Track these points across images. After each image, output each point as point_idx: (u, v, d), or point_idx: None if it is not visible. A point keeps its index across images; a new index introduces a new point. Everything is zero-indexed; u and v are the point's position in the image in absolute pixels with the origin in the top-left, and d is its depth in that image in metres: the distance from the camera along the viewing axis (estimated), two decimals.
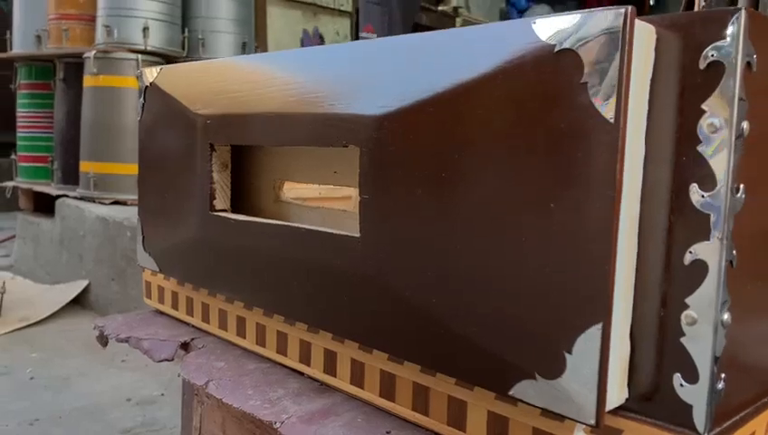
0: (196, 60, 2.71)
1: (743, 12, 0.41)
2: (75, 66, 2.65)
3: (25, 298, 2.51)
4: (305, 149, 0.72)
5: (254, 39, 2.94)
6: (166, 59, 2.62)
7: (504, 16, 5.86)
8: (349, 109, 0.58)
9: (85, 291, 2.49)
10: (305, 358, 0.71)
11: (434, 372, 0.57)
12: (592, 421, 0.43)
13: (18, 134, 3.01)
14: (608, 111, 0.42)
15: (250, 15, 2.89)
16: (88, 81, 2.52)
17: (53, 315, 2.37)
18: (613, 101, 0.41)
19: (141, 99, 0.88)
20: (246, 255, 0.72)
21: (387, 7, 2.91)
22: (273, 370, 0.75)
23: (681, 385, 0.44)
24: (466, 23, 4.59)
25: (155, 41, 2.54)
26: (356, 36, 3.54)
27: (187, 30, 2.69)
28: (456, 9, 4.53)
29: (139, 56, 2.49)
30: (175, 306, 0.91)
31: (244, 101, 0.71)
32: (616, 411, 0.47)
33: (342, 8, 3.39)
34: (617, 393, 0.46)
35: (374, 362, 0.63)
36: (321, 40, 3.28)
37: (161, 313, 0.96)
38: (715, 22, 0.42)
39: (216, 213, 0.75)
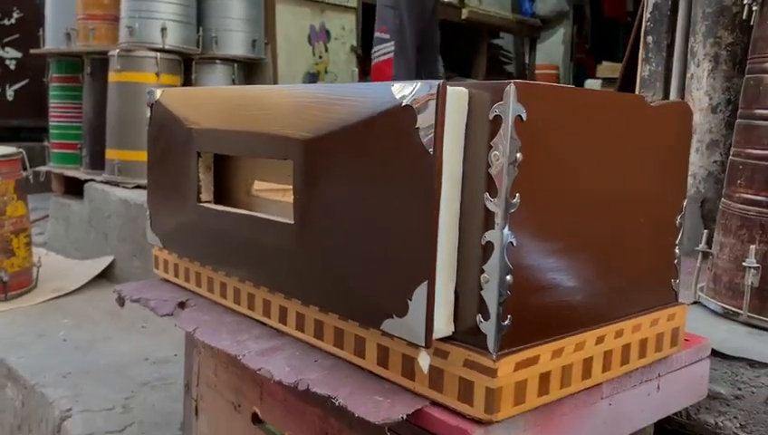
0: (211, 57, 2.97)
1: (512, 84, 0.64)
2: (101, 62, 2.91)
3: (58, 272, 2.81)
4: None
5: (264, 36, 3.18)
6: (182, 56, 2.88)
7: (516, 8, 5.99)
8: (287, 133, 0.83)
9: (110, 266, 2.77)
10: (266, 312, 0.96)
11: (347, 319, 0.82)
12: (423, 344, 0.68)
13: (50, 123, 3.30)
14: (428, 146, 0.66)
15: (260, 14, 3.13)
16: (112, 76, 2.78)
17: (83, 287, 2.65)
18: (432, 138, 0.65)
19: (149, 111, 1.14)
20: (223, 235, 0.98)
21: (398, 11, 3.12)
22: (244, 321, 1.00)
23: (480, 322, 0.68)
24: (472, 14, 4.76)
25: (172, 40, 2.79)
26: (362, 31, 3.76)
27: (201, 29, 2.94)
28: (461, 1, 4.70)
29: (158, 54, 2.74)
30: (176, 275, 1.17)
31: (223, 121, 0.96)
32: (446, 340, 0.71)
33: (348, 4, 3.60)
34: (444, 327, 0.70)
35: (310, 314, 0.88)
36: (327, 35, 3.51)
37: (166, 280, 1.21)
38: (498, 89, 0.65)
39: (201, 204, 1.00)
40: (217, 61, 3.00)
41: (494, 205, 0.66)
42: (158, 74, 2.75)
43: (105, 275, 2.79)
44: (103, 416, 1.60)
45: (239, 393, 1.13)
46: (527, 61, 6.11)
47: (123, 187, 2.78)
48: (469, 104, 0.68)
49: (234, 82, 3.04)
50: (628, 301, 0.83)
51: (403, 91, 0.68)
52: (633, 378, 0.87)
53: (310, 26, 3.39)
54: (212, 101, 0.98)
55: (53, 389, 1.74)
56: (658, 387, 0.92)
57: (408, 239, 0.69)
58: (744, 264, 1.14)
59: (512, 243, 0.67)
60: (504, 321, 0.68)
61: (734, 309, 1.18)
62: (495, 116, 0.66)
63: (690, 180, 1.69)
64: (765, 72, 1.15)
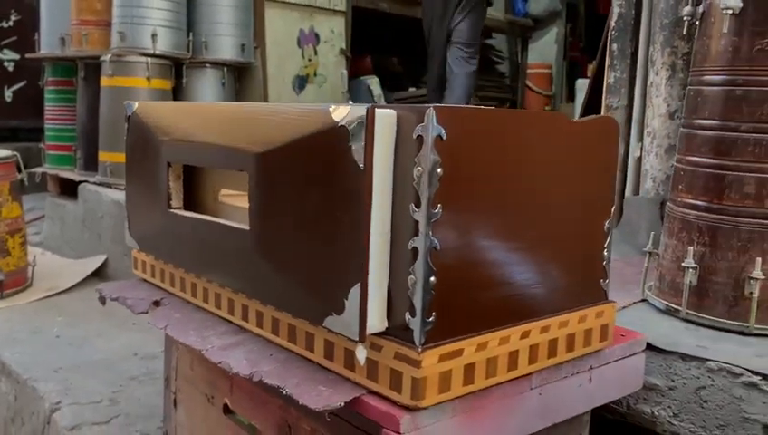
0: (201, 61, 3.05)
1: (432, 108, 0.72)
2: (94, 66, 2.99)
3: (53, 270, 2.89)
4: None
5: (254, 40, 3.26)
6: (173, 61, 2.96)
7: (509, 9, 6.06)
8: (243, 147, 0.91)
9: (104, 265, 2.86)
10: (231, 310, 1.04)
11: (299, 317, 0.90)
12: (357, 339, 0.76)
13: (46, 125, 3.39)
14: (359, 162, 0.74)
15: (249, 19, 3.21)
16: (104, 81, 2.86)
17: (77, 285, 2.74)
18: (362, 156, 0.73)
19: (127, 123, 1.22)
20: (191, 239, 1.06)
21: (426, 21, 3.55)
22: (211, 319, 1.08)
23: (409, 319, 0.76)
24: None
25: (163, 45, 2.87)
26: (351, 33, 3.83)
27: (191, 34, 3.02)
28: None
29: (149, 59, 2.82)
30: (153, 275, 1.25)
31: (189, 134, 1.04)
32: (381, 335, 0.79)
33: (337, 8, 3.67)
34: (378, 323, 0.78)
35: (268, 312, 0.96)
36: (316, 38, 3.59)
37: (144, 280, 1.30)
38: (421, 111, 0.73)
39: (171, 210, 1.08)
40: (207, 65, 3.08)
41: (418, 214, 0.74)
42: (148, 79, 2.83)
43: (98, 274, 2.87)
44: (91, 408, 1.68)
45: (212, 386, 1.21)
46: (519, 60, 6.17)
47: (116, 188, 2.87)
48: (398, 125, 0.76)
49: (224, 86, 3.12)
50: (554, 299, 0.91)
51: (339, 113, 0.76)
52: (564, 370, 0.95)
53: (299, 30, 3.47)
54: (180, 116, 1.06)
55: (45, 383, 1.82)
56: (590, 379, 1.00)
57: (344, 245, 0.77)
58: (683, 264, 1.22)
59: (435, 248, 0.75)
60: (428, 318, 0.76)
61: (675, 306, 1.26)
62: (418, 136, 0.74)
63: (650, 183, 1.77)
64: (703, 84, 1.23)
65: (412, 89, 4.92)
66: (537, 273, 0.89)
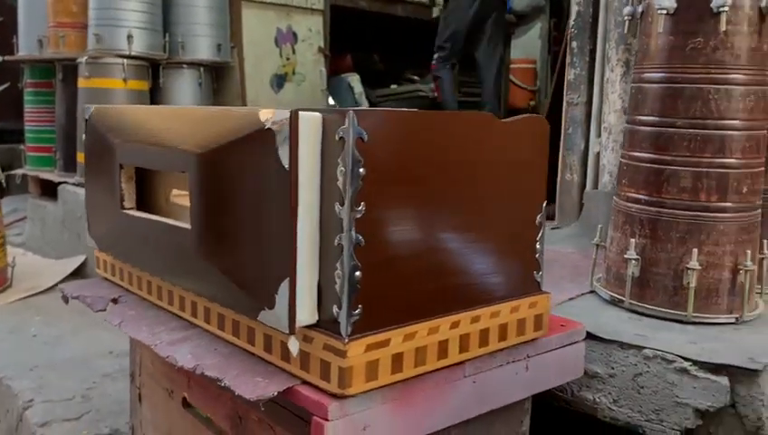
0: (177, 62, 3.08)
1: (351, 112, 0.76)
2: (72, 68, 3.02)
3: (33, 271, 2.92)
4: None
5: (231, 39, 3.29)
6: (149, 62, 2.98)
7: None
8: (185, 148, 0.94)
9: (83, 264, 2.89)
10: (182, 307, 1.08)
11: (239, 313, 0.93)
12: (287, 331, 0.80)
13: (26, 127, 3.41)
14: (285, 162, 0.78)
15: (225, 19, 3.24)
16: (81, 82, 2.89)
17: (56, 285, 2.77)
18: (287, 157, 0.77)
19: (85, 126, 1.25)
20: (143, 238, 1.09)
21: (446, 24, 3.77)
22: (164, 315, 1.12)
23: (336, 312, 0.80)
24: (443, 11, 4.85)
25: (138, 46, 2.90)
26: (329, 32, 3.86)
27: (168, 35, 3.04)
28: (432, 0, 4.80)
29: (125, 61, 2.85)
30: (113, 274, 1.29)
31: (138, 137, 1.07)
32: (312, 327, 0.83)
33: (315, 7, 3.70)
34: (308, 316, 0.82)
35: (214, 308, 0.99)
36: (294, 37, 3.62)
37: (106, 279, 1.33)
38: (342, 114, 0.77)
39: (124, 211, 1.12)
40: (184, 65, 3.11)
41: (343, 212, 0.78)
42: (125, 80, 2.86)
43: (79, 274, 2.90)
44: (63, 405, 1.72)
45: (172, 381, 1.25)
46: (503, 56, 6.20)
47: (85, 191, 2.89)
48: (324, 127, 0.80)
49: (201, 87, 3.15)
50: (486, 291, 0.95)
51: (267, 116, 0.80)
52: (499, 358, 0.99)
53: (276, 29, 3.50)
54: (131, 119, 1.10)
55: (19, 381, 1.86)
56: (527, 367, 1.04)
57: (274, 242, 0.81)
58: (625, 256, 1.26)
59: (359, 244, 0.79)
60: (354, 310, 0.80)
61: (619, 297, 1.31)
62: (340, 137, 0.78)
63: (607, 177, 1.81)
64: (643, 81, 1.27)
65: (393, 86, 4.96)
66: (468, 266, 0.93)
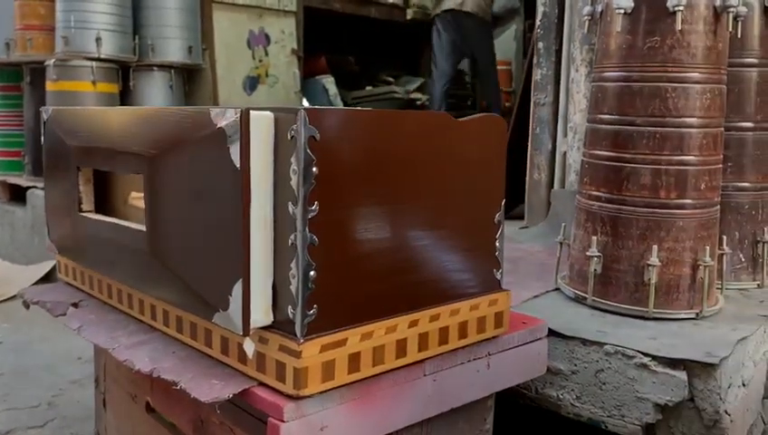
0: (147, 64, 3.05)
1: (302, 111, 0.76)
2: (40, 71, 2.98)
3: (1, 277, 2.88)
4: None
5: (202, 42, 3.27)
6: (119, 64, 2.96)
7: None
8: (139, 150, 0.93)
9: (53, 270, 2.85)
10: (141, 310, 1.07)
11: (195, 315, 0.92)
12: (241, 333, 0.80)
13: None
14: (236, 162, 0.77)
15: (196, 21, 3.21)
16: (49, 85, 2.85)
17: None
18: (238, 156, 0.77)
19: (43, 128, 1.23)
20: (101, 241, 1.08)
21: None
22: (124, 319, 1.10)
23: (290, 312, 0.80)
24: (417, 13, 4.88)
25: (108, 49, 2.87)
26: (303, 34, 3.85)
27: (137, 37, 3.02)
28: (406, 1, 4.81)
29: (94, 63, 2.82)
30: (74, 278, 1.27)
31: (95, 139, 1.06)
32: (267, 328, 0.83)
33: (287, 8, 3.69)
34: (262, 317, 0.82)
35: (173, 311, 0.98)
36: (266, 39, 3.60)
37: (69, 283, 1.31)
38: (294, 113, 0.77)
39: (82, 213, 1.11)
40: (155, 68, 3.08)
41: (296, 212, 0.78)
42: (94, 83, 2.83)
43: (48, 279, 2.86)
44: (27, 413, 1.69)
45: (135, 385, 1.23)
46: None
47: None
48: (277, 126, 0.79)
49: (172, 89, 3.13)
50: (445, 289, 0.96)
51: (218, 116, 0.79)
52: (459, 356, 1.00)
53: (248, 31, 3.48)
54: (88, 121, 1.09)
55: None
56: (488, 365, 1.05)
57: (227, 243, 0.80)
58: (587, 253, 1.28)
59: (313, 243, 0.79)
60: (309, 310, 0.79)
61: (582, 294, 1.32)
62: (292, 136, 0.77)
63: (574, 176, 1.83)
64: (603, 80, 1.29)
65: (369, 87, 4.96)
66: (426, 264, 0.93)
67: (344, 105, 4.42)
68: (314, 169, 0.78)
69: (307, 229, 0.78)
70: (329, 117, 0.79)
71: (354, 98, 4.79)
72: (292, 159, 0.78)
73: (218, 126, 0.79)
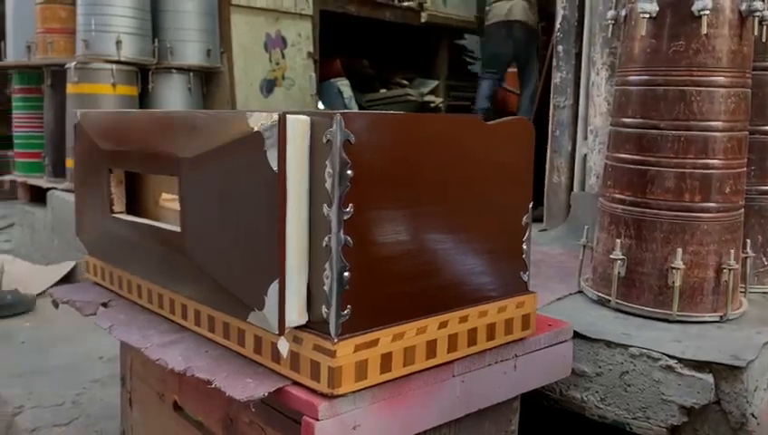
0: (166, 66, 3.08)
1: (338, 115, 0.77)
2: (60, 74, 3.02)
3: (23, 277, 2.91)
4: None
5: (220, 45, 3.30)
6: (138, 67, 2.99)
7: (481, 10, 6.10)
8: (174, 153, 0.95)
9: (73, 270, 2.88)
10: (172, 310, 1.08)
11: (230, 314, 0.94)
12: (276, 332, 0.81)
13: (14, 133, 3.40)
14: (274, 165, 0.79)
15: (214, 24, 3.24)
16: (70, 88, 2.89)
17: (46, 291, 2.76)
18: (275, 159, 0.78)
19: (74, 132, 1.25)
20: (133, 242, 1.10)
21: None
22: (155, 319, 1.12)
23: (325, 312, 0.81)
24: (431, 17, 4.89)
25: (128, 51, 2.90)
26: (319, 37, 3.87)
27: (157, 40, 3.05)
28: (421, 4, 4.82)
29: (114, 66, 2.85)
30: (103, 278, 1.29)
31: (128, 142, 1.08)
32: (302, 328, 0.84)
33: (303, 12, 3.71)
34: (297, 317, 0.83)
35: (205, 310, 1.00)
36: (283, 42, 3.63)
37: (96, 283, 1.33)
38: (330, 117, 0.78)
39: (114, 215, 1.12)
40: (173, 70, 3.11)
41: (331, 214, 0.79)
42: (114, 85, 2.86)
43: (68, 280, 2.89)
44: (52, 411, 1.72)
45: (163, 384, 1.25)
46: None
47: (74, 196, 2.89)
48: (312, 130, 0.81)
49: (190, 91, 3.16)
50: (474, 291, 0.97)
51: (255, 119, 0.81)
52: (487, 358, 1.01)
53: (266, 34, 3.51)
54: (120, 125, 1.11)
55: (8, 388, 1.85)
56: (515, 366, 1.05)
57: (263, 244, 0.82)
58: (611, 256, 1.28)
59: (348, 245, 0.80)
60: (343, 310, 0.81)
61: (606, 297, 1.32)
62: (328, 140, 0.79)
63: (594, 179, 1.83)
64: (627, 84, 1.29)
65: (383, 90, 4.98)
66: (455, 266, 0.94)
67: (359, 108, 4.44)
68: (349, 171, 0.79)
69: (342, 231, 0.79)
70: (363, 121, 0.80)
71: (368, 100, 4.81)
72: (328, 162, 0.79)
73: (255, 129, 0.80)
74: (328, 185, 0.79)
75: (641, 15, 1.22)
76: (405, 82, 5.12)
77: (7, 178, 3.41)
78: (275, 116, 0.78)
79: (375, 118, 0.83)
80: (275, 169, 0.78)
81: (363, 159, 0.80)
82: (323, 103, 4.14)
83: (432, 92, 5.10)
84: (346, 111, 0.78)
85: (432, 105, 5.00)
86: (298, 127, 0.80)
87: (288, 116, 0.79)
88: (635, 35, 1.27)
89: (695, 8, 1.18)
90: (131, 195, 1.17)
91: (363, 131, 0.80)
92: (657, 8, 1.21)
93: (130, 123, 1.08)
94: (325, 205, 0.80)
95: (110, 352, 2.14)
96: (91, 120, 1.18)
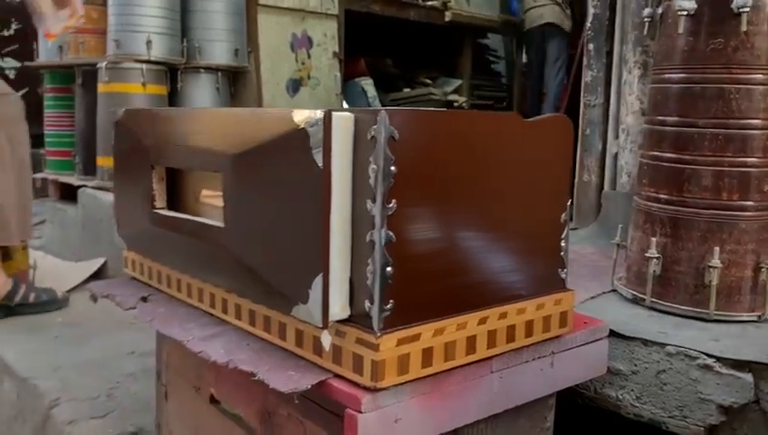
0: (195, 66, 3.12)
1: (383, 111, 0.78)
2: (91, 73, 3.06)
3: (54, 273, 2.96)
4: None
5: (247, 44, 3.32)
6: (168, 66, 3.02)
7: (505, 8, 6.08)
8: (218, 149, 0.97)
9: (103, 267, 2.92)
10: (212, 304, 1.10)
11: (271, 308, 0.95)
12: (320, 325, 0.82)
13: (45, 132, 3.46)
14: (319, 161, 0.80)
15: (242, 24, 3.27)
16: (101, 87, 2.93)
17: (76, 287, 2.81)
18: (320, 155, 0.79)
19: (114, 129, 1.28)
20: (174, 237, 1.12)
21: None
22: (195, 312, 1.14)
23: (368, 306, 0.82)
24: (456, 16, 4.88)
25: (157, 51, 2.94)
26: (344, 37, 3.89)
27: (185, 40, 3.08)
28: (445, 4, 4.82)
29: (144, 66, 2.89)
30: (141, 273, 1.31)
31: (170, 138, 1.10)
32: (344, 322, 0.85)
33: (329, 12, 3.73)
34: (340, 311, 0.84)
35: (245, 304, 1.02)
36: (309, 42, 3.65)
37: (134, 278, 1.36)
38: (374, 114, 0.79)
39: (155, 210, 1.14)
40: (202, 70, 3.14)
41: (374, 209, 0.80)
42: (144, 84, 2.90)
43: (98, 276, 2.94)
44: (88, 404, 1.75)
45: (199, 377, 1.27)
46: (515, 59, 6.21)
47: (113, 192, 2.93)
48: (357, 127, 0.82)
49: (218, 91, 3.19)
50: (512, 288, 0.97)
51: (300, 117, 0.82)
52: (525, 355, 1.01)
53: (292, 34, 3.53)
54: (162, 121, 1.13)
55: (45, 381, 1.89)
56: (552, 363, 1.06)
57: (307, 239, 0.83)
58: (646, 255, 1.28)
59: (391, 240, 0.81)
60: (386, 305, 0.82)
61: (640, 295, 1.32)
62: (372, 137, 0.80)
63: (625, 178, 1.83)
64: (663, 82, 1.29)
65: (407, 89, 4.98)
66: (495, 263, 0.95)
67: (382, 107, 4.45)
68: (393, 167, 0.80)
69: (385, 226, 0.80)
70: (406, 117, 0.81)
71: (392, 100, 4.82)
72: (372, 159, 0.80)
73: (301, 126, 0.81)
74: (372, 181, 0.80)
75: (679, 13, 1.21)
76: (428, 81, 5.12)
77: (38, 176, 3.47)
78: (321, 113, 0.79)
79: (418, 114, 0.84)
80: (320, 165, 0.80)
81: (406, 155, 0.81)
82: (347, 103, 4.15)
83: (456, 91, 5.08)
84: (391, 108, 0.78)
85: (456, 104, 4.99)
86: (342, 124, 0.81)
87: (333, 113, 0.80)
88: (672, 33, 1.26)
89: (734, 5, 1.17)
90: (171, 191, 1.19)
91: (406, 128, 0.81)
92: (696, 5, 1.21)
93: (174, 120, 1.09)
94: (368, 200, 0.81)
95: (141, 348, 2.17)
96: (133, 118, 1.20)
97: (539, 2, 4.93)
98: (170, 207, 1.18)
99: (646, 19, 1.33)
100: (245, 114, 0.93)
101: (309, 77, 3.65)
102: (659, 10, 1.30)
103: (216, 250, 0.99)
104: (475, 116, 0.91)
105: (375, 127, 0.79)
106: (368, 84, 4.44)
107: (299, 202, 0.83)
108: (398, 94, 4.90)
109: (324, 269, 0.81)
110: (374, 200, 0.80)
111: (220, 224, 0.97)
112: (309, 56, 3.64)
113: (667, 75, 1.28)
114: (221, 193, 1.03)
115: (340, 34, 3.83)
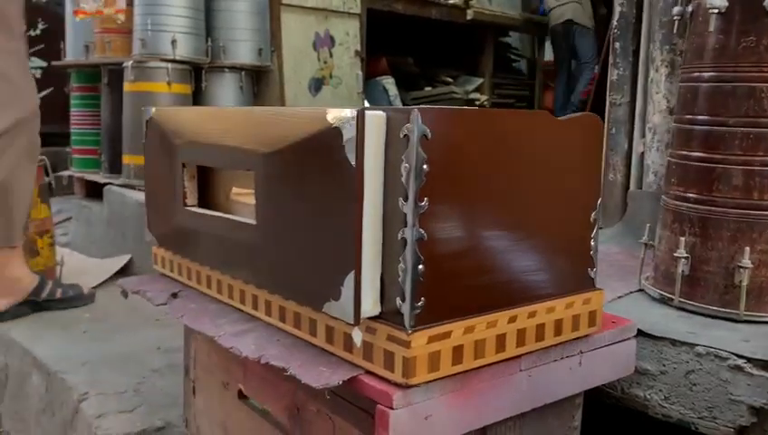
0: (219, 66, 3.15)
1: (416, 110, 0.79)
2: (117, 72, 3.10)
3: (80, 270, 3.00)
4: None
5: (271, 44, 3.35)
6: (192, 66, 3.05)
7: (527, 7, 6.05)
8: (250, 148, 0.98)
9: (128, 264, 2.96)
10: (242, 300, 1.11)
11: (302, 304, 0.96)
12: (352, 322, 0.83)
13: (72, 130, 3.52)
14: (352, 159, 0.81)
15: (265, 24, 3.30)
16: (127, 86, 2.97)
17: (103, 283, 2.85)
18: (353, 154, 0.80)
19: (145, 127, 1.30)
20: (205, 234, 1.13)
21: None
22: (225, 308, 1.16)
23: (399, 304, 0.83)
24: (477, 14, 4.87)
25: (182, 51, 2.97)
26: (366, 36, 3.90)
27: (210, 40, 3.11)
28: (466, 2, 4.81)
29: (169, 65, 2.92)
30: (171, 270, 1.33)
31: (202, 136, 1.11)
32: (375, 319, 0.86)
33: (352, 11, 3.74)
34: (371, 308, 0.85)
35: (276, 301, 1.03)
36: (331, 41, 3.66)
37: (164, 275, 1.38)
38: (406, 113, 0.80)
39: (186, 207, 1.16)
40: (226, 69, 3.17)
41: (406, 207, 0.81)
42: (169, 84, 2.93)
43: (124, 273, 2.97)
44: (116, 398, 1.77)
45: (227, 373, 1.29)
46: (536, 58, 6.19)
47: (139, 189, 2.97)
48: (388, 125, 0.83)
49: (242, 90, 3.21)
50: (542, 286, 0.97)
51: (333, 115, 0.83)
52: (553, 353, 1.01)
53: (314, 33, 3.55)
54: (193, 119, 1.14)
55: (73, 375, 1.92)
56: (580, 362, 1.06)
57: (340, 236, 0.84)
58: (675, 254, 1.27)
59: (422, 238, 0.81)
60: (417, 302, 0.82)
61: (669, 295, 1.31)
62: (405, 135, 0.80)
63: (652, 177, 1.81)
64: (693, 80, 1.28)
65: (428, 88, 4.98)
66: (524, 261, 0.95)
67: (403, 106, 4.46)
68: (425, 166, 0.80)
69: (417, 224, 0.81)
70: (438, 116, 0.81)
71: (413, 98, 4.82)
72: (404, 157, 0.80)
73: (334, 125, 0.82)
74: (404, 179, 0.81)
75: (710, 11, 1.20)
76: (450, 79, 5.12)
77: (65, 173, 3.52)
78: (354, 112, 0.80)
79: (450, 113, 0.84)
80: (353, 163, 0.80)
81: (438, 153, 0.81)
82: (369, 102, 4.16)
83: (477, 90, 5.08)
84: (427, 106, 0.79)
85: (477, 103, 4.99)
86: (375, 122, 0.82)
87: (366, 112, 0.81)
88: (702, 31, 1.25)
89: (766, 3, 1.16)
90: (201, 189, 1.21)
91: (438, 126, 0.81)
92: (727, 3, 1.20)
93: (203, 118, 1.11)
94: (401, 199, 0.81)
95: (167, 344, 2.20)
96: (164, 116, 1.22)
97: (561, 0, 5.01)
98: (201, 204, 1.19)
99: (675, 17, 1.32)
100: (274, 113, 0.94)
101: (331, 76, 3.67)
102: (689, 8, 1.29)
103: (248, 247, 1.01)
104: (506, 114, 0.92)
105: (408, 125, 0.80)
106: (389, 83, 4.45)
107: (331, 200, 0.84)
108: (420, 93, 4.90)
109: (356, 266, 0.82)
110: (406, 198, 0.81)
111: (252, 221, 0.98)
112: (331, 55, 3.66)
113: (696, 74, 1.27)
114: (252, 191, 1.05)
115: (362, 33, 3.84)
